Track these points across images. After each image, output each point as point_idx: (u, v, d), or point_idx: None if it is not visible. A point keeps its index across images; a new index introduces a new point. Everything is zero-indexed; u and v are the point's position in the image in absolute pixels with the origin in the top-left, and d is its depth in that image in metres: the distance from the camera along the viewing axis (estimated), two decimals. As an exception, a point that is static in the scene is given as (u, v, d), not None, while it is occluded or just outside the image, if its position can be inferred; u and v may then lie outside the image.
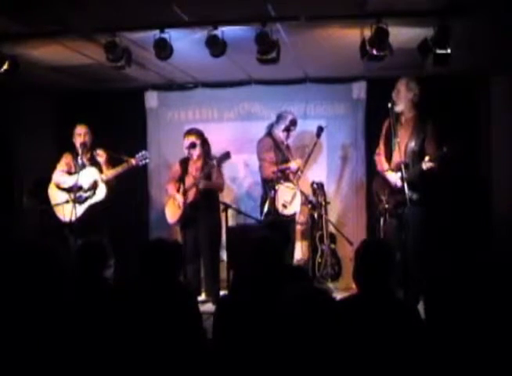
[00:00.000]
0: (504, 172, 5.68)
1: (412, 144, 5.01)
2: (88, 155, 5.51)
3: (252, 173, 6.27)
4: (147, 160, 5.69)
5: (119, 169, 5.46)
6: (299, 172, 5.66)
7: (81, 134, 5.45)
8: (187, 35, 4.51)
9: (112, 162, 5.54)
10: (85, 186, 5.40)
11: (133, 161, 5.46)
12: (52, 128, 6.75)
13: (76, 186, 5.31)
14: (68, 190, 5.41)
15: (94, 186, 5.41)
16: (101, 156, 5.50)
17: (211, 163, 5.42)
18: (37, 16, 4.08)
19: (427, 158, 4.85)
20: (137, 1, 3.86)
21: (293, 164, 5.64)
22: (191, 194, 5.43)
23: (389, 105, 4.94)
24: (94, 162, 5.51)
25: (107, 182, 5.44)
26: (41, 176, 5.91)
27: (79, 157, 5.38)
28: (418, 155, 4.96)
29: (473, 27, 4.26)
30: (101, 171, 5.46)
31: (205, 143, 5.63)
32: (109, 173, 5.46)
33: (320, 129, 5.73)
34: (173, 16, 4.06)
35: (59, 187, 5.51)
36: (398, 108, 5.02)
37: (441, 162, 4.86)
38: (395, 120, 4.98)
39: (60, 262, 2.68)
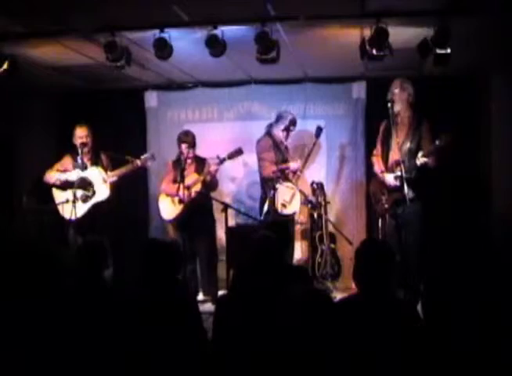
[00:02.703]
0: (504, 171, 5.67)
1: (408, 143, 5.02)
2: (89, 155, 5.51)
3: (251, 173, 6.25)
4: (153, 161, 5.68)
5: (123, 170, 5.47)
6: (298, 172, 5.67)
7: (82, 136, 5.43)
8: (187, 35, 4.51)
9: (115, 163, 5.55)
10: (90, 185, 5.41)
11: (138, 162, 5.47)
12: (52, 127, 6.74)
13: (77, 181, 5.32)
14: (70, 187, 5.38)
15: (98, 186, 5.41)
16: (105, 161, 5.53)
17: (222, 157, 5.39)
18: (37, 16, 4.08)
19: (420, 154, 4.88)
20: (137, 1, 3.87)
21: (293, 164, 5.64)
22: (193, 191, 5.38)
23: (388, 105, 4.96)
24: (96, 162, 5.51)
25: (110, 183, 5.45)
26: (40, 176, 5.91)
27: (79, 157, 5.37)
28: (414, 154, 4.97)
29: (473, 27, 4.26)
30: (105, 171, 5.47)
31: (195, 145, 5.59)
32: (114, 173, 5.47)
33: (319, 129, 5.75)
34: (173, 15, 4.07)
35: (55, 185, 5.48)
36: (395, 109, 5.03)
37: (437, 156, 4.88)
38: (393, 120, 4.99)
39: (60, 261, 2.68)
